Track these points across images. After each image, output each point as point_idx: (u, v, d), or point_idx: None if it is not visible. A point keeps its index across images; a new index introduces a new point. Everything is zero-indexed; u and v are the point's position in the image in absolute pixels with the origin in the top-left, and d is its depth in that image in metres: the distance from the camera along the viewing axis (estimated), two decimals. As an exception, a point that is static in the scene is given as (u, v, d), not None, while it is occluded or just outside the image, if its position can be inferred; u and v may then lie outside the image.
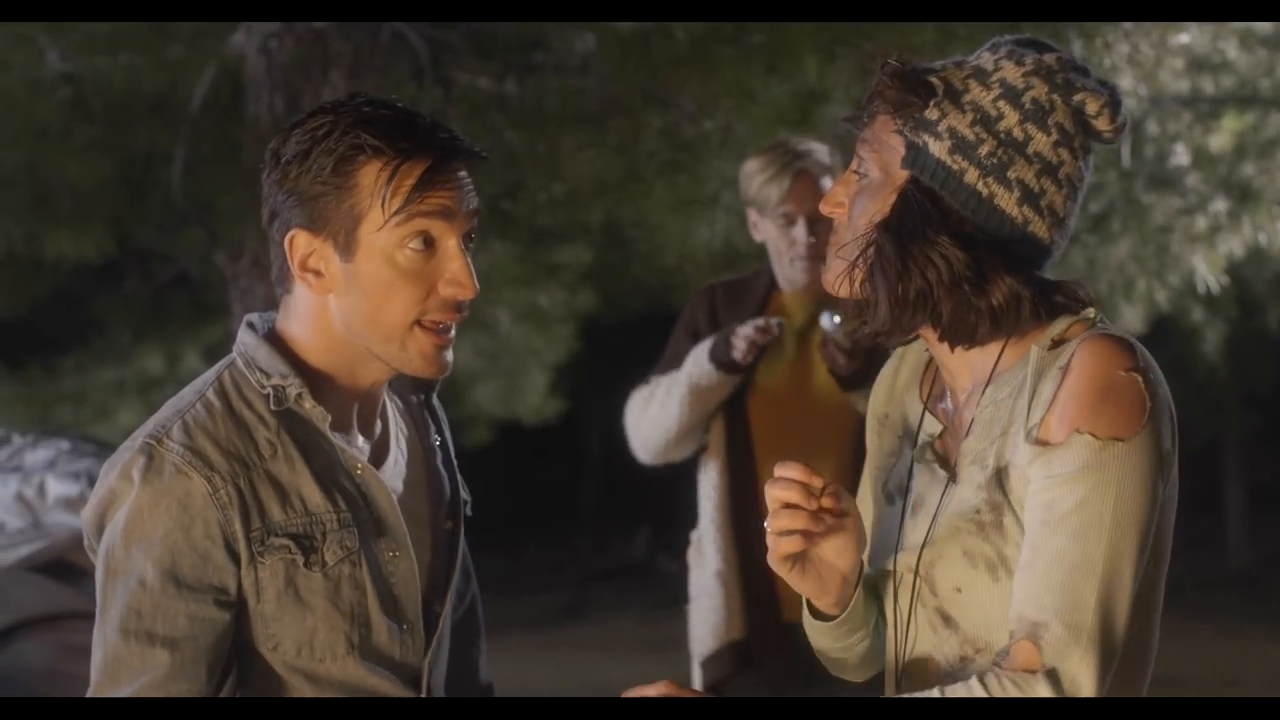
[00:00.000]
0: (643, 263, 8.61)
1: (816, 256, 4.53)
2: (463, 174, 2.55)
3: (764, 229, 4.68)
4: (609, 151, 6.94)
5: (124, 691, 2.44)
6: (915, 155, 2.32)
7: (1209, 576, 15.89)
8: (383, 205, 2.48)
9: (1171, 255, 8.74)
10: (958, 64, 2.37)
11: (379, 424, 2.64)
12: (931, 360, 2.49)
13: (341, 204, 2.49)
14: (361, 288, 2.51)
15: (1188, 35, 7.49)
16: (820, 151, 4.71)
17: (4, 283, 8.72)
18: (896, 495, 2.48)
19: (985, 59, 2.36)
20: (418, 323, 2.52)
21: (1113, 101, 2.34)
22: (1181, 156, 8.49)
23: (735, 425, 4.68)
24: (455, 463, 2.78)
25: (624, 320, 11.87)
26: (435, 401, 2.78)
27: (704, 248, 7.48)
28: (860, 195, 2.37)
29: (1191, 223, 8.59)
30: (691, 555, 4.80)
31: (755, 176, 4.67)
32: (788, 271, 4.65)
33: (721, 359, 4.54)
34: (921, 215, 2.30)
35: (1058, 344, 2.32)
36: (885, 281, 2.32)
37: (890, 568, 2.44)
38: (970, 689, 2.21)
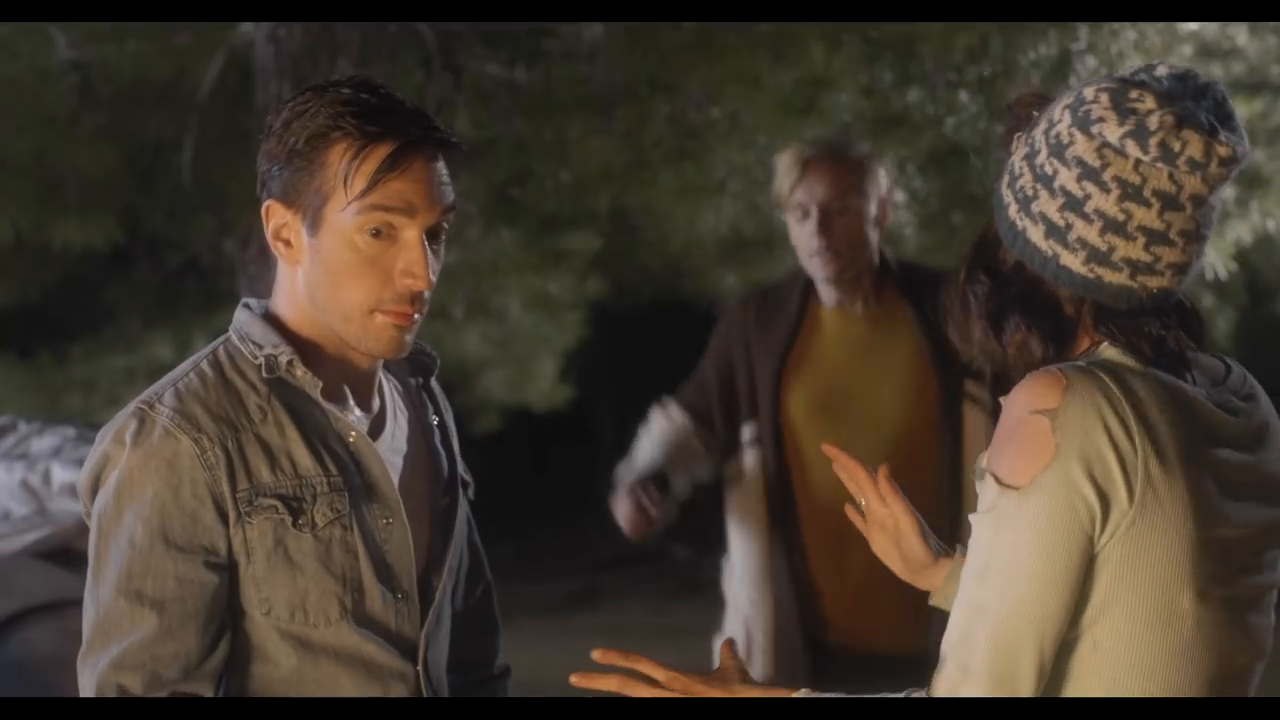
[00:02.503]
0: (650, 250, 8.61)
1: (833, 251, 4.36)
2: (436, 166, 2.58)
3: (790, 228, 4.49)
4: (616, 139, 6.95)
5: (113, 650, 2.47)
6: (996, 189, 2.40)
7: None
8: (345, 187, 2.51)
9: (1180, 242, 8.72)
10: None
11: (376, 400, 2.68)
12: None
13: (312, 180, 2.55)
14: (324, 265, 2.57)
15: (1196, 22, 7.47)
16: (845, 143, 4.48)
17: (13, 271, 8.72)
18: None
19: (1068, 93, 2.33)
20: (375, 309, 2.56)
21: (1147, 128, 2.25)
22: (1190, 143, 8.46)
23: (772, 461, 4.43)
24: (455, 444, 2.82)
25: (633, 307, 11.87)
26: (434, 384, 2.82)
27: (711, 234, 7.48)
28: None
29: (1200, 210, 8.57)
30: (725, 584, 4.66)
31: (777, 171, 4.47)
32: (809, 269, 4.43)
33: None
34: (983, 248, 2.40)
35: None
36: (960, 312, 2.43)
37: None
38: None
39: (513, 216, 7.65)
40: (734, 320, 4.59)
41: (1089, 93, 2.27)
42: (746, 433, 4.49)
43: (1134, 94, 2.24)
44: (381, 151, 2.52)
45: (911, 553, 2.67)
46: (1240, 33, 8.12)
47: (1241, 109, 8.29)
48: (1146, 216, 2.26)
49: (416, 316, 2.60)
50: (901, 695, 2.32)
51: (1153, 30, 7.28)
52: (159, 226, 8.54)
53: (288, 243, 2.58)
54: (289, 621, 2.54)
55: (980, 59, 6.81)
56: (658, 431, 4.55)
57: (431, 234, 2.57)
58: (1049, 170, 2.28)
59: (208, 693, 2.51)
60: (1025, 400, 2.23)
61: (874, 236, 4.42)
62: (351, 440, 2.61)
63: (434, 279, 2.59)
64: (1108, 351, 2.32)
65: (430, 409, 2.80)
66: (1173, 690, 2.27)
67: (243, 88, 6.81)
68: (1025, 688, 2.22)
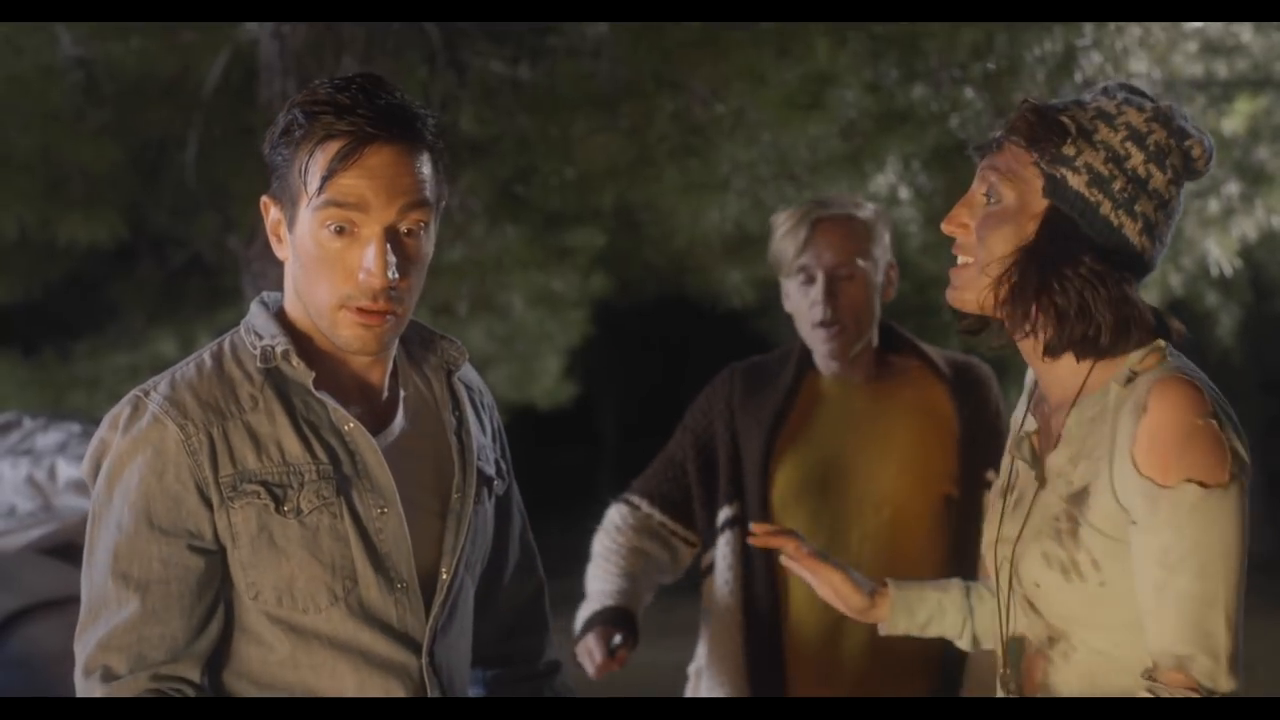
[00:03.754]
0: (654, 246, 8.61)
1: (839, 325, 3.93)
2: (403, 161, 2.57)
3: (787, 292, 4.01)
4: (621, 135, 6.94)
5: (100, 631, 2.52)
6: (1055, 186, 2.61)
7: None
8: (304, 184, 2.54)
9: (1185, 239, 8.73)
10: (1079, 104, 2.65)
11: (385, 393, 2.68)
12: (1036, 385, 2.78)
13: (290, 177, 2.58)
14: (300, 261, 2.60)
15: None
16: (850, 203, 4.01)
17: (17, 267, 8.72)
18: (1004, 492, 2.78)
19: (1105, 103, 2.64)
20: (340, 306, 2.57)
21: (1208, 147, 2.65)
22: (1195, 140, 8.46)
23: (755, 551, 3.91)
24: (479, 440, 2.80)
25: (637, 304, 11.87)
26: (457, 381, 2.81)
27: (715, 231, 7.48)
28: (992, 219, 2.65)
29: (1204, 206, 8.57)
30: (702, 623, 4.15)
31: (775, 231, 4.01)
32: (810, 340, 3.99)
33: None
34: (1070, 239, 2.60)
35: (1133, 377, 2.59)
36: (1035, 298, 2.61)
37: (993, 555, 2.76)
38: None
39: (517, 213, 7.65)
40: (717, 392, 4.10)
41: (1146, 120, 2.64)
42: (724, 515, 4.00)
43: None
44: (333, 147, 2.53)
45: (850, 604, 2.99)
46: (1245, 29, 8.12)
47: (1245, 105, 8.29)
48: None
49: (390, 317, 2.59)
50: (1167, 695, 2.52)
51: (1158, 27, 7.28)
52: (163, 223, 8.55)
53: (279, 238, 2.62)
54: (276, 606, 2.57)
55: (985, 55, 6.81)
56: (619, 545, 4.03)
57: (398, 232, 2.57)
58: (1143, 174, 2.60)
59: (194, 675, 2.54)
60: (1192, 409, 2.52)
61: (878, 305, 4.01)
62: (348, 430, 2.62)
63: (410, 276, 2.59)
64: (1160, 343, 2.63)
65: (451, 406, 2.80)
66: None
67: (247, 84, 6.82)
68: (1240, 659, 2.52)
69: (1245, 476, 2.53)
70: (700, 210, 7.26)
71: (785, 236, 3.96)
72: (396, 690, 2.62)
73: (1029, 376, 2.84)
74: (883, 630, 3.01)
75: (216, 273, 8.86)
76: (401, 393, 2.73)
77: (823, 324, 3.92)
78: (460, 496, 2.73)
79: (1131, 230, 2.60)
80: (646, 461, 4.16)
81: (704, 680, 4.02)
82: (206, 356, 2.64)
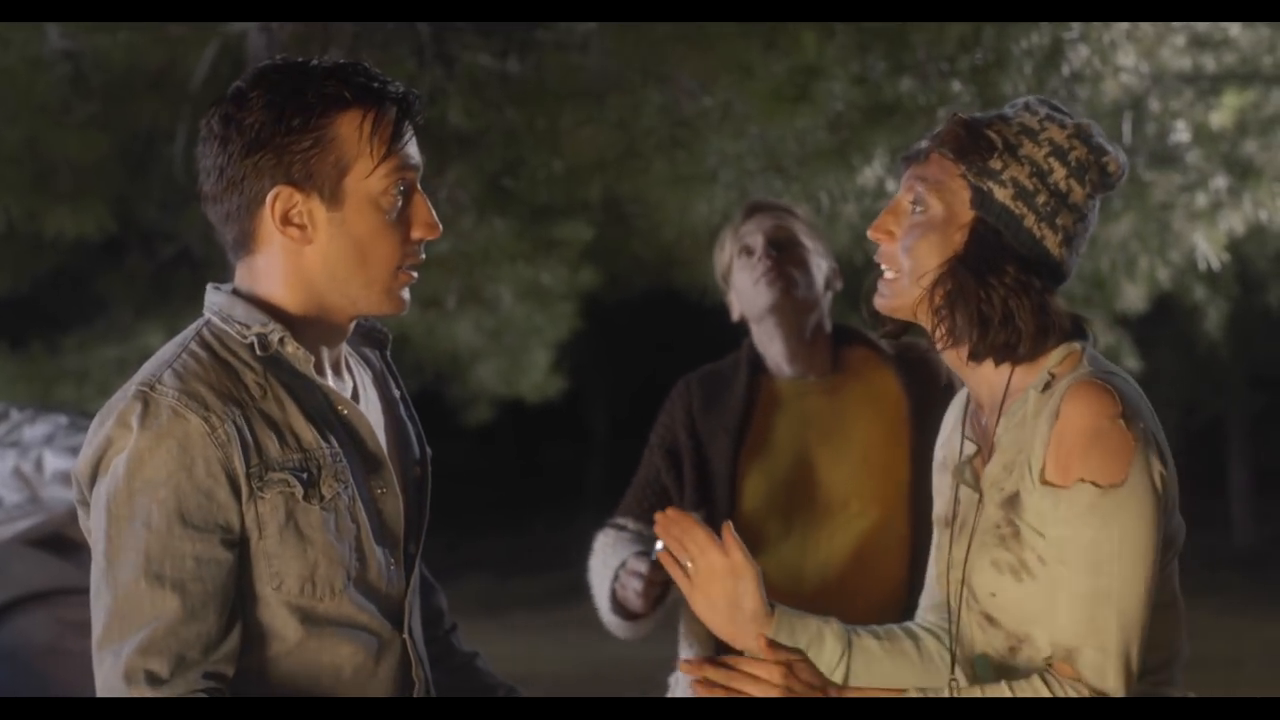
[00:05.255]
0: (642, 239, 8.62)
1: (783, 277, 3.96)
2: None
3: (734, 284, 4.06)
4: (609, 128, 6.96)
5: (139, 635, 2.45)
6: (982, 199, 2.70)
7: (1213, 556, 15.89)
8: (372, 153, 2.56)
9: (1173, 233, 8.74)
10: (1004, 119, 2.75)
11: (347, 375, 2.69)
12: (969, 400, 2.86)
13: (326, 156, 2.56)
14: (349, 235, 2.58)
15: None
16: (784, 203, 4.15)
17: (5, 260, 8.72)
18: (949, 521, 2.85)
19: (1028, 119, 2.74)
20: (399, 267, 2.61)
21: (1123, 163, 2.75)
22: (1182, 134, 8.47)
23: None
24: (417, 416, 2.83)
25: (626, 298, 11.87)
26: (389, 357, 2.85)
27: (703, 224, 7.47)
28: (918, 228, 2.73)
29: (1193, 200, 8.58)
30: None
31: (719, 248, 4.09)
32: (760, 332, 4.04)
33: (625, 613, 3.89)
34: (996, 250, 2.69)
35: (1051, 381, 2.69)
36: (964, 307, 2.69)
37: (944, 583, 2.83)
38: (1035, 688, 2.60)
39: (505, 206, 7.65)
40: (676, 404, 4.11)
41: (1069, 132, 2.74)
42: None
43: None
44: (390, 115, 2.59)
45: (750, 603, 2.85)
46: (1232, 23, 8.13)
47: (1234, 100, 8.30)
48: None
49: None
50: (1056, 687, 2.60)
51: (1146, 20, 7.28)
52: (151, 216, 8.54)
53: (301, 226, 2.58)
54: (298, 595, 2.55)
55: (973, 48, 6.82)
56: (618, 559, 3.96)
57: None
58: (1064, 188, 2.70)
59: (230, 671, 2.51)
60: (1098, 410, 2.62)
61: (824, 290, 4.04)
62: (345, 412, 2.63)
63: None
64: (1074, 351, 2.73)
65: (392, 382, 2.83)
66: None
67: (235, 77, 6.78)
68: (1137, 658, 2.62)
69: (1153, 474, 2.61)
70: (688, 203, 7.27)
71: (726, 229, 4.09)
72: (388, 665, 2.64)
73: (954, 405, 2.95)
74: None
75: (205, 266, 8.85)
76: (357, 375, 2.74)
77: (764, 276, 3.95)
78: (421, 470, 2.76)
79: (1052, 242, 2.71)
80: (636, 457, 4.15)
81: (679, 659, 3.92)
82: (195, 346, 2.58)
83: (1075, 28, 6.95)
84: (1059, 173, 2.70)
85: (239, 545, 2.53)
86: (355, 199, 2.57)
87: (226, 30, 6.75)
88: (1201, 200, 8.58)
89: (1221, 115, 8.32)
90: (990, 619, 2.73)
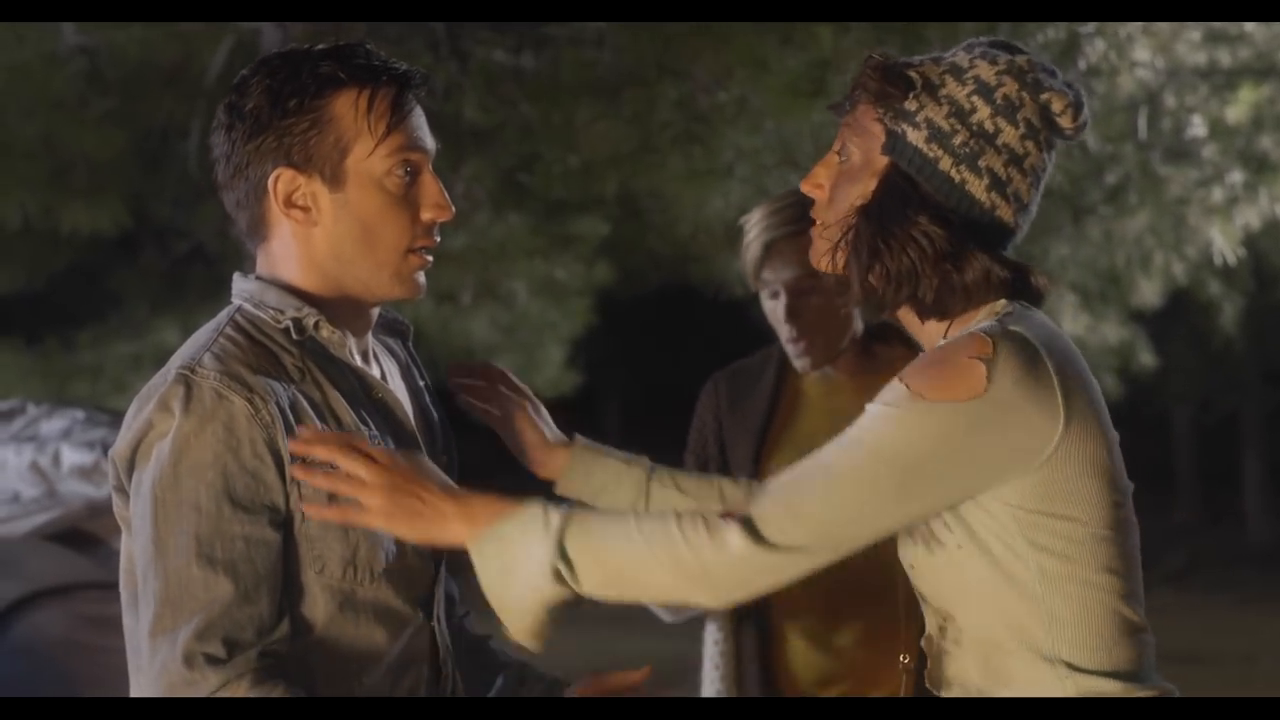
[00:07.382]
0: (658, 234, 8.62)
1: (808, 341, 3.90)
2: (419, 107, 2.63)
3: (762, 300, 4.03)
4: (624, 123, 6.95)
5: (195, 621, 2.44)
6: (894, 143, 2.52)
7: (1227, 551, 15.93)
8: (370, 131, 2.55)
9: (1188, 228, 8.73)
10: (935, 60, 2.56)
11: (375, 365, 2.69)
12: None
13: (325, 137, 2.55)
14: (354, 216, 2.57)
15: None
16: (803, 224, 4.04)
17: (21, 256, 8.74)
18: None
19: (960, 57, 2.55)
20: (409, 249, 2.59)
21: (1076, 102, 2.54)
22: (1198, 128, 8.46)
23: None
24: (442, 406, 2.84)
25: (641, 293, 11.86)
26: (412, 348, 2.85)
27: (719, 219, 7.48)
28: (841, 178, 2.57)
29: (1208, 195, 8.57)
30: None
31: (744, 238, 4.05)
32: (786, 347, 3.98)
33: None
34: (902, 198, 2.51)
35: None
36: (866, 259, 2.53)
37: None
38: (667, 530, 2.44)
39: (520, 201, 7.66)
40: (705, 406, 4.11)
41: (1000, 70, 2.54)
42: None
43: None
44: (388, 93, 2.57)
45: (538, 434, 2.89)
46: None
47: (1249, 94, 8.29)
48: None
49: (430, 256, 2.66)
50: (695, 539, 2.44)
51: (1161, 14, 7.26)
52: (166, 212, 8.55)
53: (304, 208, 2.58)
54: (340, 579, 2.54)
55: (988, 43, 6.81)
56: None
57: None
58: (990, 128, 2.50)
59: (285, 651, 2.49)
60: (966, 347, 2.42)
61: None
62: (379, 395, 2.63)
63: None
64: (1001, 303, 2.52)
65: (416, 372, 2.83)
66: (1135, 584, 2.50)
67: (250, 73, 6.81)
68: (843, 553, 2.43)
69: (988, 434, 2.39)
70: (703, 198, 7.27)
71: (746, 250, 4.01)
72: (419, 653, 2.64)
73: None
74: (558, 490, 2.88)
75: (219, 262, 8.86)
76: (383, 363, 2.74)
77: (791, 341, 3.91)
78: (446, 458, 2.76)
79: (976, 187, 2.50)
80: (650, 452, 4.12)
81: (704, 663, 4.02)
82: (230, 331, 2.57)
83: (1090, 22, 6.94)
84: (983, 111, 2.50)
85: (284, 528, 2.52)
86: (358, 179, 2.56)
87: (241, 27, 6.76)
88: (1217, 195, 8.57)
89: (1237, 110, 8.31)
90: (921, 595, 2.59)
